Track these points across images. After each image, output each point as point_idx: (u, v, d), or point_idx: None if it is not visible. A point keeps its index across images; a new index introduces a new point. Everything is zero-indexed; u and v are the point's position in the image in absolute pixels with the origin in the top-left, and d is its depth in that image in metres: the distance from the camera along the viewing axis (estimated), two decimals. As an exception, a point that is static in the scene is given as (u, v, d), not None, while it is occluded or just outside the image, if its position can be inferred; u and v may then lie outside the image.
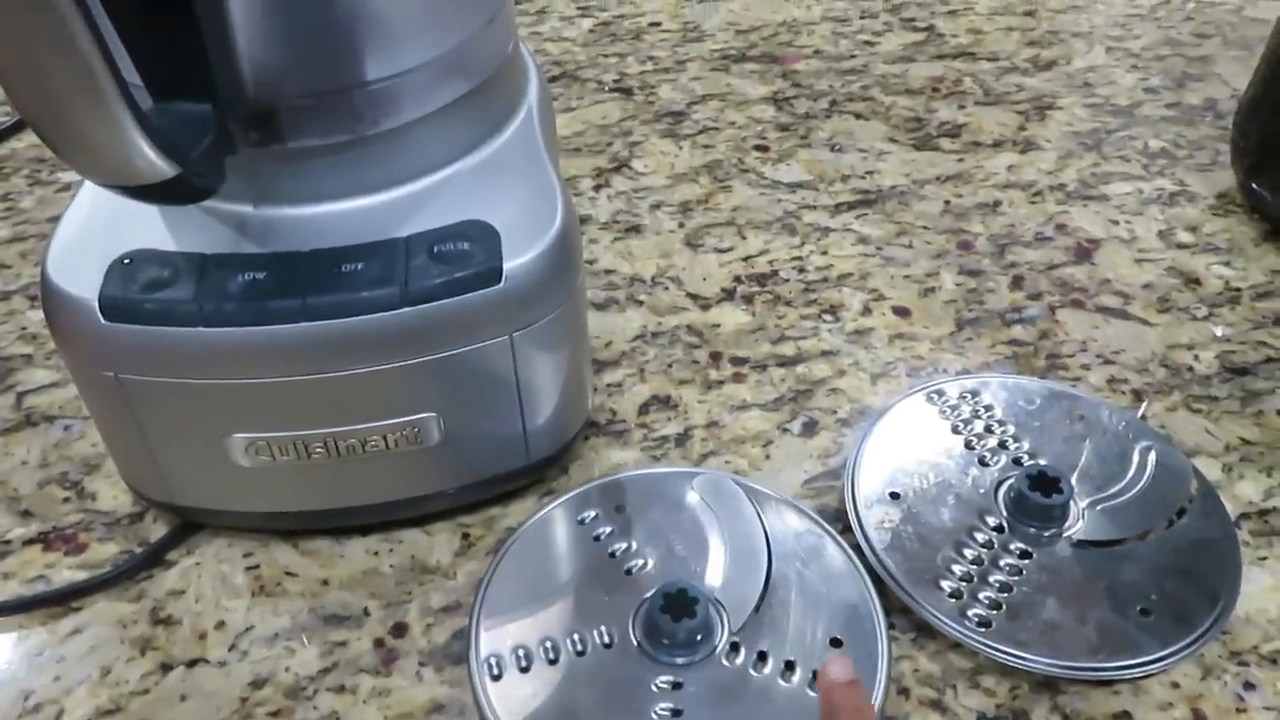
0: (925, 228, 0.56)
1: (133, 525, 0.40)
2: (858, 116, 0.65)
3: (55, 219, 0.55)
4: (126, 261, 0.33)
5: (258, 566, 0.39)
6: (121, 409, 0.35)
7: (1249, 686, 0.35)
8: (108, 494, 0.41)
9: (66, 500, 0.41)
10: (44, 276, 0.34)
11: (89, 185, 0.36)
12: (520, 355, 0.36)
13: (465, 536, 0.40)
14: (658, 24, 0.75)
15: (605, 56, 0.71)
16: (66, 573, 0.38)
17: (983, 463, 0.41)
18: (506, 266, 0.34)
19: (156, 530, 0.40)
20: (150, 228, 0.34)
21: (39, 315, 0.49)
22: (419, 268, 0.33)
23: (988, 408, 0.44)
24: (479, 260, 0.34)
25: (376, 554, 0.39)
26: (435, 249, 0.34)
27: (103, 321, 0.32)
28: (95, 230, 0.35)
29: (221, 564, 0.39)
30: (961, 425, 0.43)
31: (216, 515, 0.39)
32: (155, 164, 0.28)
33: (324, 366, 0.34)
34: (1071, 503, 0.39)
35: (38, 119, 0.27)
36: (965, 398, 0.44)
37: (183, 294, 0.33)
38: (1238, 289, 0.52)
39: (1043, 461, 0.41)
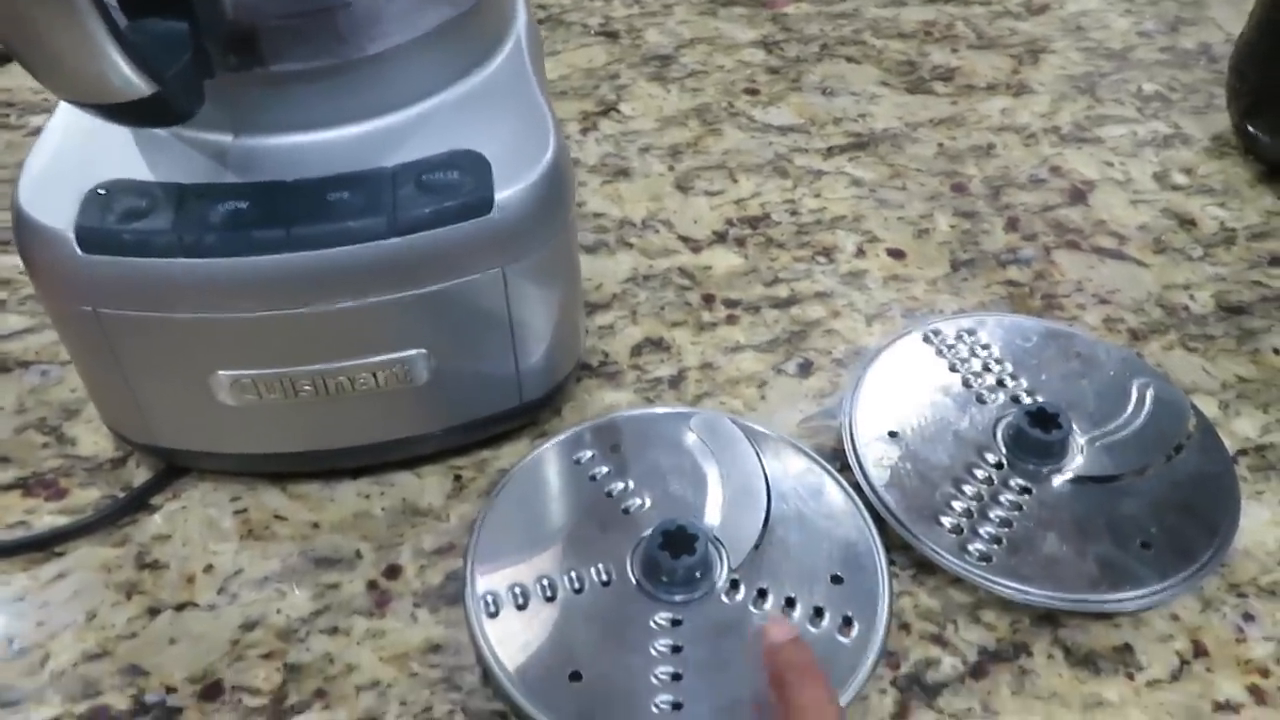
0: (919, 170, 0.55)
1: (115, 470, 0.39)
2: (849, 60, 0.64)
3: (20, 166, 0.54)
4: (102, 192, 0.32)
5: (246, 510, 0.38)
6: (101, 346, 0.33)
7: (1248, 618, 0.35)
8: (88, 439, 0.40)
9: (45, 446, 0.40)
10: (16, 208, 0.32)
11: (60, 115, 0.35)
12: (512, 290, 0.35)
13: (457, 479, 0.39)
14: (644, -32, 0.73)
15: (590, 0, 0.69)
16: (48, 518, 0.38)
17: (980, 400, 0.41)
18: (497, 196, 0.33)
19: (140, 475, 0.39)
20: (125, 157, 0.33)
21: (11, 260, 0.48)
22: (407, 197, 0.32)
23: (985, 346, 0.43)
24: (469, 190, 0.33)
25: (367, 497, 0.39)
26: (424, 178, 0.33)
27: (79, 253, 0.31)
28: (68, 160, 0.33)
29: (208, 508, 0.38)
30: (959, 364, 0.42)
31: (202, 458, 0.38)
32: (131, 80, 0.27)
33: (310, 299, 0.33)
34: (1070, 439, 0.39)
35: (8, 32, 0.26)
36: (962, 337, 0.43)
37: (161, 224, 0.31)
38: (1233, 230, 0.51)
39: (1041, 398, 0.40)
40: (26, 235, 0.32)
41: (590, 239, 0.50)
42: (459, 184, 0.33)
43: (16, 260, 0.47)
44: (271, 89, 0.33)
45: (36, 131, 0.56)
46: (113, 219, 0.31)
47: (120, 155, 0.33)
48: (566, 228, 0.36)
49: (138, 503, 0.38)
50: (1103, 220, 0.52)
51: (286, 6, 0.31)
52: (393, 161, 0.33)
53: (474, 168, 0.33)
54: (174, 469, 0.39)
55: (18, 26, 0.26)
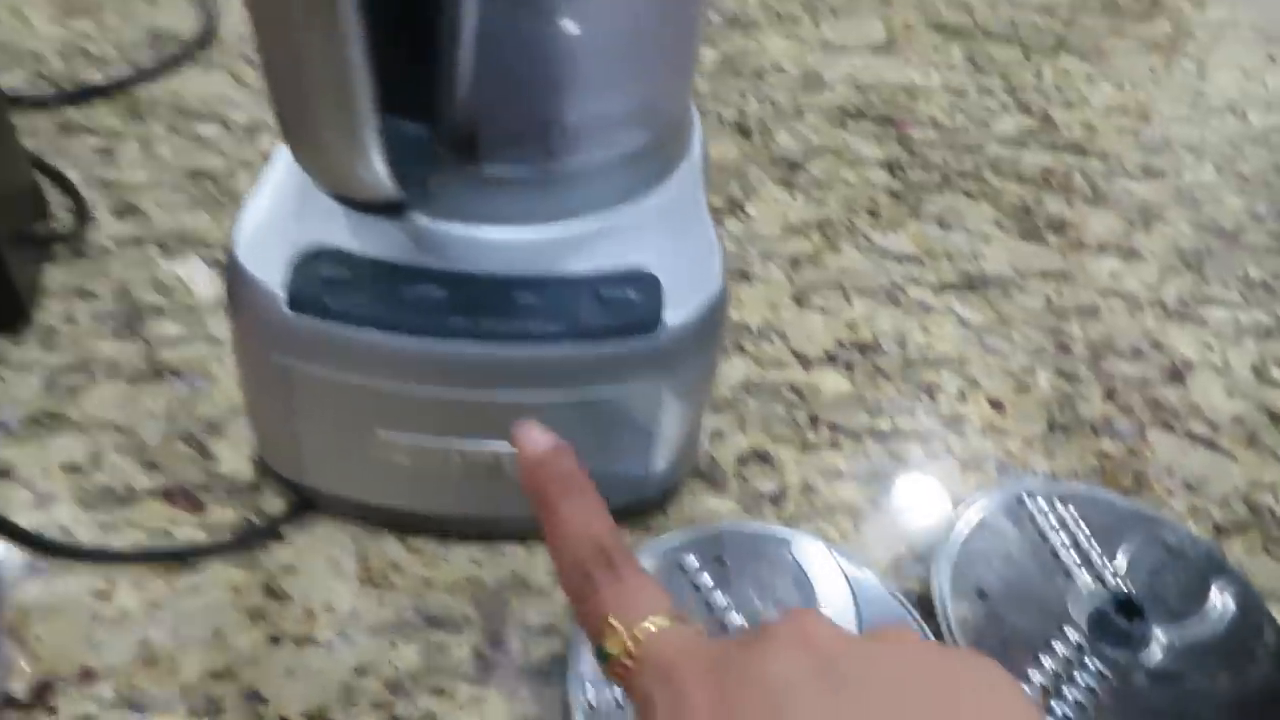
0: (1025, 321, 0.57)
1: (251, 494, 0.42)
2: (968, 195, 0.66)
3: (193, 172, 0.57)
4: (314, 256, 0.35)
5: (366, 555, 0.40)
6: (282, 393, 0.36)
7: (1300, 838, 0.37)
8: (229, 458, 0.43)
9: (190, 459, 0.43)
10: (232, 259, 0.35)
11: (276, 170, 0.38)
12: (663, 403, 0.37)
13: (564, 559, 0.41)
14: (780, 66, 0.76)
15: (726, 92, 0.72)
16: (187, 530, 0.40)
17: (1067, 575, 0.43)
18: (665, 318, 0.36)
19: (271, 502, 0.41)
20: (335, 225, 0.36)
21: (171, 267, 0.51)
22: (586, 308, 0.35)
23: (1076, 519, 0.45)
24: (641, 308, 0.35)
25: (479, 564, 0.41)
26: (602, 292, 0.35)
27: (286, 311, 0.34)
28: (283, 219, 0.36)
29: (332, 547, 0.40)
30: (1049, 532, 0.44)
31: (334, 500, 0.40)
32: (381, 180, 0.29)
33: (481, 385, 0.35)
34: (1151, 631, 0.41)
35: (291, 127, 0.28)
36: (1054, 504, 0.45)
37: (363, 296, 0.34)
38: (1323, 437, 0.53)
39: (1127, 584, 0.42)
40: (240, 286, 0.35)
41: (709, 338, 0.52)
42: (633, 302, 0.35)
43: (177, 269, 0.50)
44: (477, 185, 0.35)
45: (199, 139, 0.59)
46: (319, 284, 0.34)
47: (331, 221, 0.36)
48: (718, 349, 0.39)
49: (271, 531, 0.40)
50: (1198, 405, 0.53)
51: (511, 119, 0.34)
52: (573, 268, 0.36)
53: (647, 287, 0.36)
54: (306, 503, 0.41)
55: (303, 124, 0.28)
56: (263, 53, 0.26)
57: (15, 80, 0.61)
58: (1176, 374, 0.55)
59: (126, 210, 0.54)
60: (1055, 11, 0.89)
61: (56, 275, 0.49)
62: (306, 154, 0.29)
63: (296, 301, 0.34)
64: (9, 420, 0.43)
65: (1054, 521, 0.45)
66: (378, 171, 0.29)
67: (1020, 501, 0.45)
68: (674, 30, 0.37)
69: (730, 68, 0.75)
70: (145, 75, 0.63)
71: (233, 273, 0.35)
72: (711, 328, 0.37)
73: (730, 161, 0.65)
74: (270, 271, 0.34)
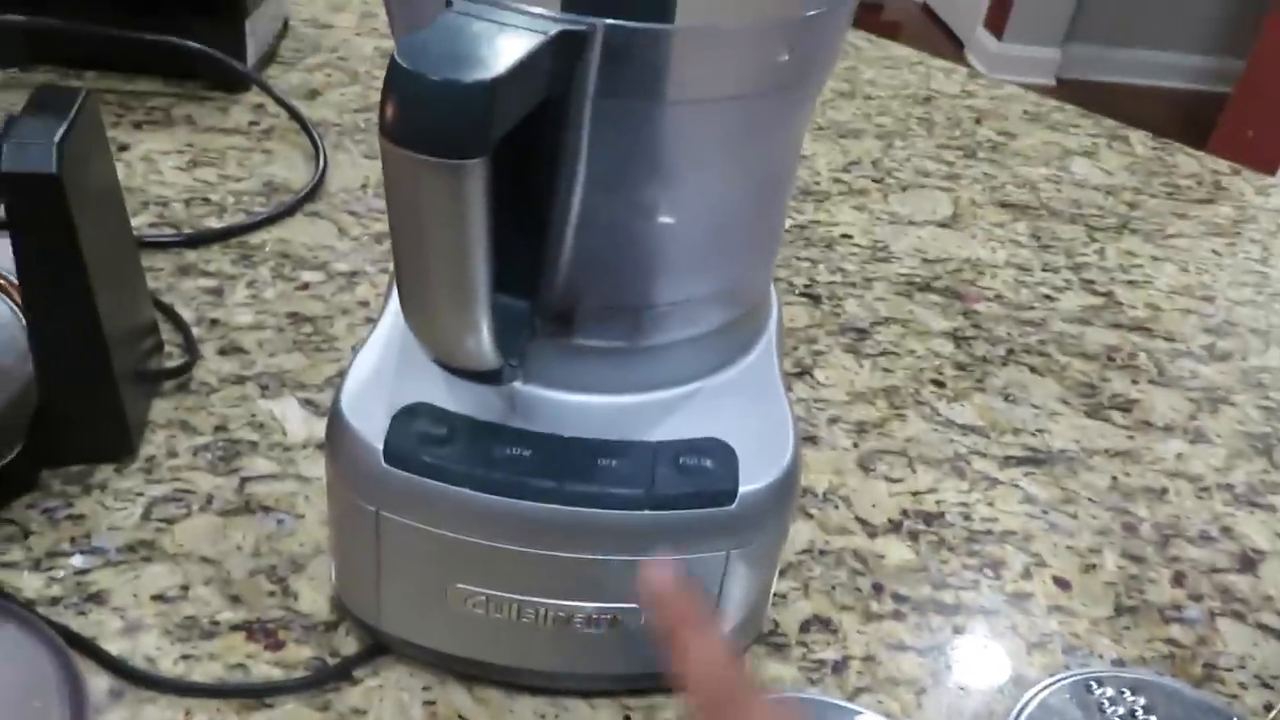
0: (1091, 500, 0.57)
1: (327, 633, 0.43)
2: (1033, 370, 0.67)
3: (294, 315, 0.61)
4: (411, 413, 0.37)
5: (434, 703, 0.41)
6: (369, 540, 0.38)
7: None
8: (309, 596, 0.44)
9: (272, 595, 0.44)
10: (337, 412, 0.38)
11: (384, 327, 0.41)
12: (730, 570, 0.38)
13: (626, 719, 0.42)
14: (849, 236, 0.79)
15: (798, 259, 0.75)
16: (264, 666, 0.41)
17: (1136, 766, 0.42)
18: (741, 489, 0.37)
19: (346, 642, 0.43)
20: (433, 383, 0.38)
21: (269, 405, 0.54)
22: (664, 475, 0.37)
23: (1146, 709, 0.44)
24: (717, 478, 0.37)
25: (543, 717, 0.41)
26: (680, 460, 0.37)
27: (383, 464, 0.36)
28: (386, 375, 0.39)
29: (402, 692, 0.41)
30: (1117, 721, 0.43)
31: (408, 646, 0.42)
32: (488, 354, 0.32)
33: (560, 546, 0.37)
34: (1224, 833, 0.39)
35: (412, 302, 0.31)
36: (1123, 693, 0.45)
37: (455, 454, 0.36)
38: (1403, 637, 0.51)
39: (1196, 780, 0.41)
40: (341, 438, 0.37)
41: (774, 501, 0.53)
42: (710, 471, 0.37)
43: (273, 407, 0.53)
44: (569, 356, 0.38)
45: (306, 285, 0.63)
46: (415, 440, 0.36)
47: (430, 380, 0.38)
48: (789, 519, 0.40)
49: (343, 672, 0.41)
50: (1271, 596, 0.53)
51: (603, 300, 0.37)
52: (655, 436, 0.38)
53: (724, 458, 0.38)
54: (379, 646, 0.42)
55: (422, 299, 0.31)
56: (394, 233, 0.29)
57: (140, 223, 0.66)
58: (1248, 561, 0.55)
59: (231, 349, 0.57)
60: (1118, 193, 0.92)
61: (163, 408, 0.53)
62: (422, 327, 0.32)
63: (393, 455, 0.36)
64: (107, 547, 0.45)
65: (1122, 711, 0.44)
66: (485, 347, 0.32)
67: (1088, 689, 0.45)
68: (762, 219, 0.40)
69: (802, 237, 0.79)
70: (258, 222, 0.68)
71: (335, 422, 0.37)
72: (784, 497, 0.39)
73: (800, 327, 0.68)
74: (370, 424, 0.37)
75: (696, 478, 0.37)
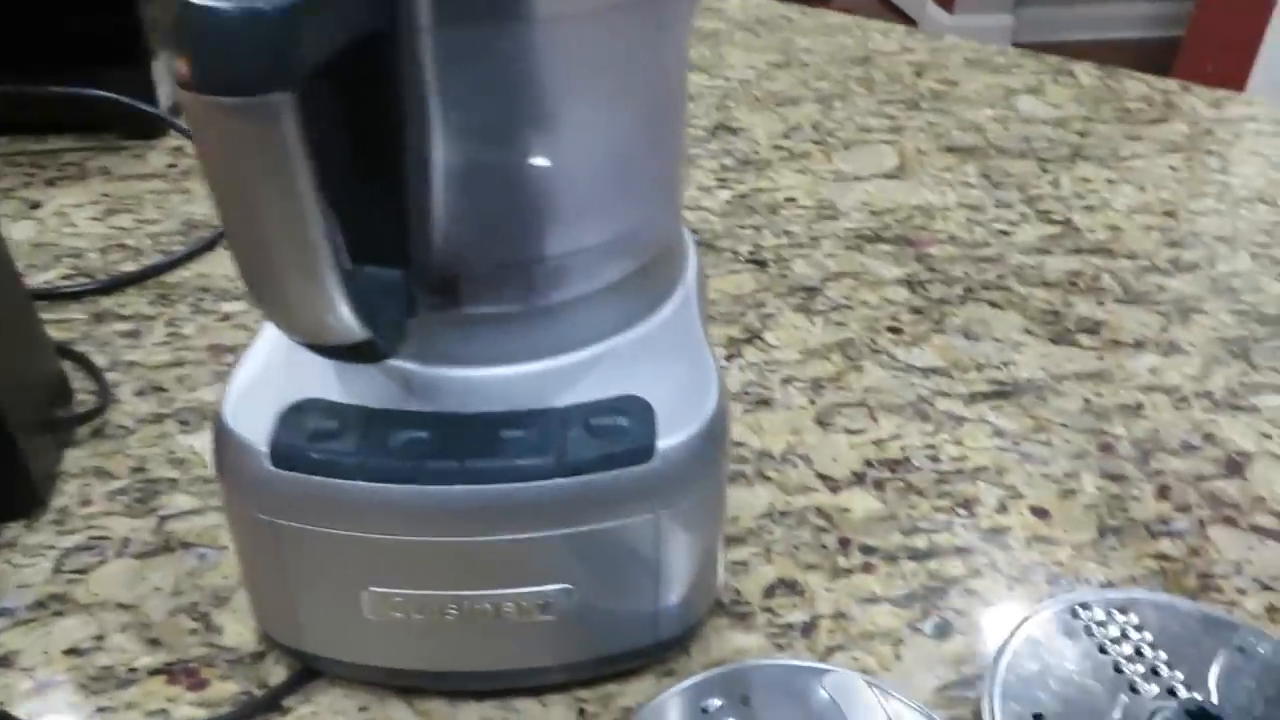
0: (1064, 425, 0.54)
1: (253, 665, 0.40)
2: (992, 305, 0.64)
3: (214, 347, 0.58)
4: (297, 410, 0.34)
5: (373, 722, 0.38)
6: (271, 552, 0.35)
7: None
8: (233, 629, 0.42)
9: (194, 632, 0.42)
10: (218, 419, 0.35)
11: (267, 332, 0.38)
12: (664, 533, 0.36)
13: (581, 712, 0.39)
14: (793, 199, 0.77)
15: (741, 228, 0.73)
16: (186, 709, 0.39)
17: (1133, 689, 0.39)
18: (660, 444, 0.34)
19: (275, 672, 0.40)
20: (321, 377, 0.36)
21: (189, 441, 0.51)
22: (575, 439, 0.34)
23: (1137, 628, 0.41)
24: (633, 436, 0.34)
25: (492, 722, 0.38)
26: (592, 421, 0.34)
27: (269, 467, 0.33)
28: (270, 377, 0.36)
29: (337, 716, 0.38)
30: (1109, 645, 0.40)
31: (337, 665, 0.39)
32: (351, 327, 0.29)
33: (472, 530, 0.34)
34: (1235, 747, 0.36)
35: (251, 276, 0.28)
36: (1112, 614, 0.42)
37: (348, 447, 0.33)
38: None
39: (1199, 695, 0.38)
40: (224, 445, 0.34)
41: (729, 469, 0.51)
42: (624, 430, 0.34)
43: (193, 441, 0.51)
44: (460, 326, 0.35)
45: (227, 317, 0.61)
46: (304, 437, 0.34)
47: (317, 374, 0.36)
48: (720, 475, 0.37)
49: (271, 703, 0.38)
50: (1262, 497, 0.50)
51: (489, 259, 0.34)
52: (564, 401, 0.35)
53: (640, 414, 0.35)
54: (309, 671, 0.39)
55: (263, 273, 0.28)
56: (215, 200, 0.27)
57: (53, 276, 0.64)
58: (1234, 465, 0.52)
59: (150, 389, 0.55)
60: (1067, 124, 0.90)
61: (77, 457, 0.50)
62: (267, 302, 0.29)
63: (279, 456, 0.33)
64: (14, 607, 0.42)
65: (1114, 633, 0.41)
66: (343, 316, 0.29)
67: (1075, 614, 0.42)
68: (654, 152, 0.37)
69: (744, 205, 0.76)
70: (175, 261, 0.65)
71: (219, 432, 0.35)
72: (712, 449, 0.36)
73: (747, 293, 0.65)
74: (255, 427, 0.34)
75: (610, 438, 0.34)
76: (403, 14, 0.28)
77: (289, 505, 0.34)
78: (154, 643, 0.41)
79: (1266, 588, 0.45)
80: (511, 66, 0.31)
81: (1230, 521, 0.48)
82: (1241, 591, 0.45)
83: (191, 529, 0.46)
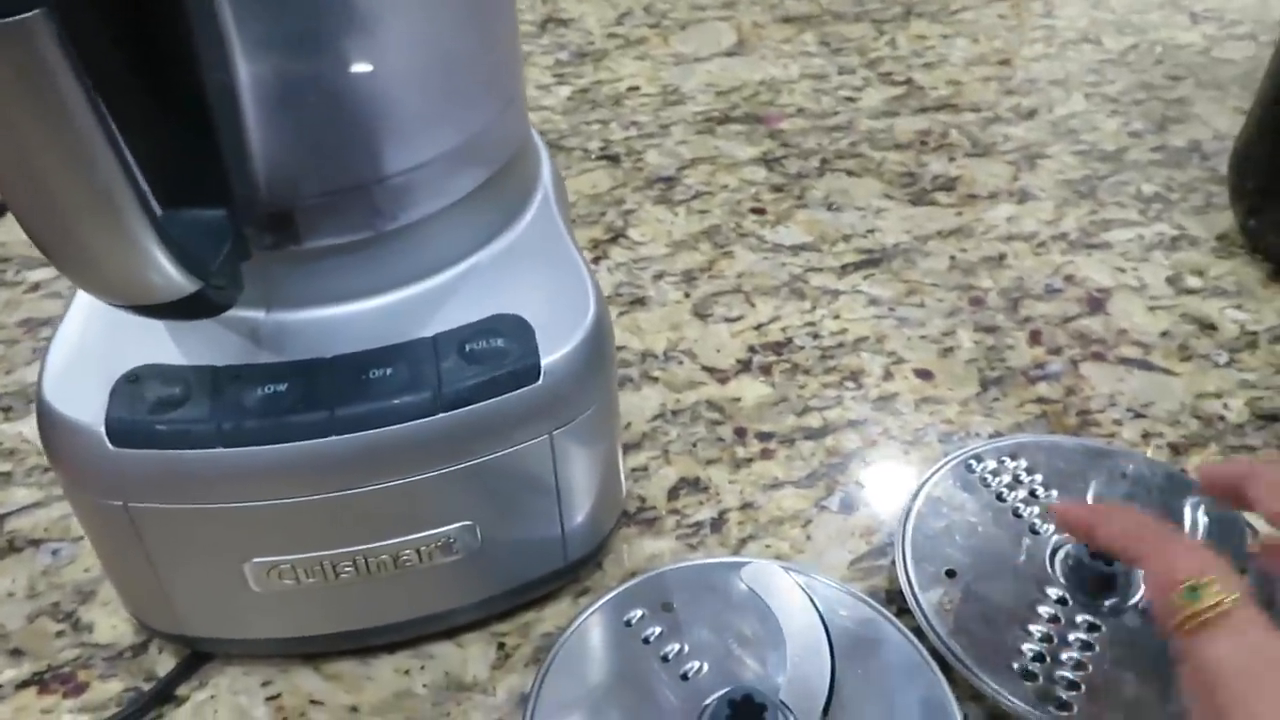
0: (934, 285, 0.55)
1: (136, 658, 0.37)
2: (850, 174, 0.64)
3: (26, 322, 0.52)
4: (132, 380, 0.31)
5: (279, 696, 0.36)
6: (129, 538, 0.32)
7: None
8: (105, 624, 0.38)
9: (60, 634, 0.38)
10: (40, 401, 0.31)
11: (82, 297, 0.34)
12: (559, 453, 0.34)
13: (501, 646, 0.37)
14: (636, 88, 0.74)
15: (587, 124, 0.70)
16: (68, 717, 0.35)
17: (1034, 530, 0.40)
18: (544, 362, 0.32)
19: (163, 661, 0.37)
20: (154, 340, 0.32)
21: (15, 429, 0.46)
22: (451, 369, 0.31)
23: (1029, 471, 0.42)
24: (515, 357, 0.32)
25: (407, 673, 0.36)
26: (467, 348, 0.32)
27: (110, 448, 0.30)
28: (94, 346, 0.32)
29: (238, 695, 0.36)
30: (1005, 492, 0.41)
31: (230, 644, 0.36)
32: (175, 279, 0.26)
33: (354, 482, 0.31)
34: (1132, 568, 0.38)
35: (43, 236, 0.24)
36: (1004, 462, 0.43)
37: (197, 413, 0.30)
38: (1254, 333, 0.51)
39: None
40: (52, 429, 0.30)
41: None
42: (504, 351, 0.32)
43: (21, 428, 0.46)
44: (304, 264, 0.32)
45: (36, 287, 0.55)
46: (144, 409, 0.30)
47: (149, 337, 0.32)
48: (610, 383, 0.35)
49: (163, 695, 0.35)
50: (1124, 329, 0.51)
51: (322, 185, 0.31)
52: (433, 329, 0.32)
53: (517, 333, 0.33)
54: (199, 655, 0.36)
55: (54, 230, 0.24)
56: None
57: None
58: (1095, 302, 0.53)
59: (-41, 379, 0.49)
60: (896, -19, 0.89)
61: (-113, 467, 0.44)
62: (75, 269, 0.25)
63: (119, 435, 0.30)
64: None
65: (1007, 480, 0.42)
66: (163, 268, 0.25)
67: (969, 468, 0.42)
68: (483, 49, 0.34)
69: (586, 100, 0.73)
70: (-36, 234, 0.58)
71: (43, 415, 0.31)
72: (598, 359, 0.34)
73: (604, 191, 0.63)
74: (86, 406, 0.30)
75: (490, 362, 0.32)
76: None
77: (139, 486, 0.30)
78: (17, 653, 0.37)
79: (1139, 415, 0.47)
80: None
81: (1099, 357, 0.50)
82: (1118, 422, 0.46)
83: (37, 524, 0.42)
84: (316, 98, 0.29)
